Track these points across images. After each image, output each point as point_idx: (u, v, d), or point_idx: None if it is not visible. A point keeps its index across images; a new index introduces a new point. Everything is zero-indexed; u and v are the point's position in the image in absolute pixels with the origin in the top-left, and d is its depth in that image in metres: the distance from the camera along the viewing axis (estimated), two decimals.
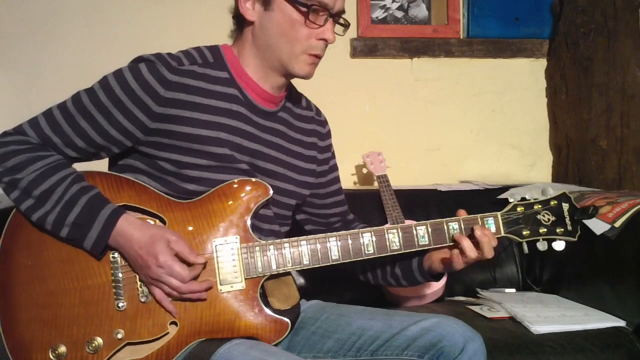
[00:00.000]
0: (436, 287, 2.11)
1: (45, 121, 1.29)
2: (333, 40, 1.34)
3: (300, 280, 2.12)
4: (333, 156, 1.60)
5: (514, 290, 2.27)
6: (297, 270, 1.59)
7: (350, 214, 1.65)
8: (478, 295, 2.18)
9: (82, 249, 1.25)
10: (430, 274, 1.44)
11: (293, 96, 1.51)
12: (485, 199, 2.31)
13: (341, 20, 1.37)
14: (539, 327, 1.76)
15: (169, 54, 1.32)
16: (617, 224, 1.88)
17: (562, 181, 2.64)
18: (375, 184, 2.33)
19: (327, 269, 1.34)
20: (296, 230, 1.54)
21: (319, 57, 1.36)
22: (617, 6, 2.50)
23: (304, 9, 1.29)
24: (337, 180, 1.61)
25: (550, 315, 1.85)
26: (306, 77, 1.37)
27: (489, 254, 1.33)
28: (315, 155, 1.52)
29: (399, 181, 2.45)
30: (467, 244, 1.33)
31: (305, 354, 1.39)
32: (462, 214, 1.38)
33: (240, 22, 1.38)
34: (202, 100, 1.31)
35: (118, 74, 1.30)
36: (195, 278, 1.25)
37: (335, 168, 1.61)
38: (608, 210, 1.93)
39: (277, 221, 1.43)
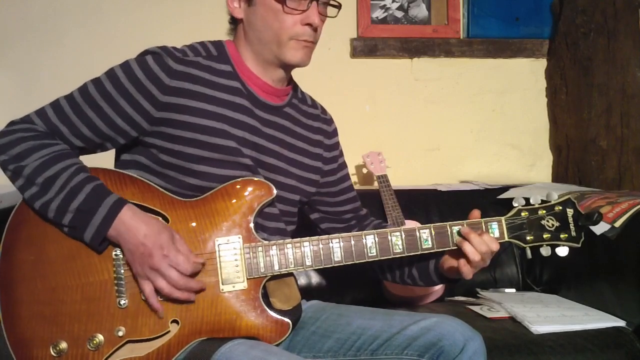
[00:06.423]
0: (436, 287, 2.11)
1: (52, 110, 1.30)
2: (318, 23, 1.32)
3: (301, 281, 2.12)
4: (341, 154, 1.60)
5: (514, 290, 2.27)
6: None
7: (363, 209, 1.64)
8: (478, 295, 2.18)
9: (82, 238, 1.24)
10: (447, 278, 1.44)
11: (299, 93, 1.51)
12: (485, 199, 2.31)
13: (332, 2, 1.36)
14: (539, 327, 1.76)
15: (174, 47, 1.34)
16: (617, 224, 1.88)
17: (562, 181, 2.64)
18: (375, 184, 2.33)
19: (328, 269, 1.34)
20: (306, 229, 1.52)
21: (308, 42, 1.34)
22: (617, 6, 2.51)
23: None
24: (347, 177, 1.60)
25: (550, 315, 1.85)
26: (301, 63, 1.35)
27: (486, 260, 1.33)
28: (320, 153, 1.52)
29: (399, 181, 2.45)
30: (469, 248, 1.32)
31: (305, 354, 1.39)
32: (476, 214, 1.37)
33: (233, 21, 1.40)
34: (206, 91, 1.32)
35: (125, 64, 1.31)
36: (193, 276, 1.25)
37: (344, 166, 1.60)
38: (608, 210, 1.93)
39: (283, 219, 1.42)
